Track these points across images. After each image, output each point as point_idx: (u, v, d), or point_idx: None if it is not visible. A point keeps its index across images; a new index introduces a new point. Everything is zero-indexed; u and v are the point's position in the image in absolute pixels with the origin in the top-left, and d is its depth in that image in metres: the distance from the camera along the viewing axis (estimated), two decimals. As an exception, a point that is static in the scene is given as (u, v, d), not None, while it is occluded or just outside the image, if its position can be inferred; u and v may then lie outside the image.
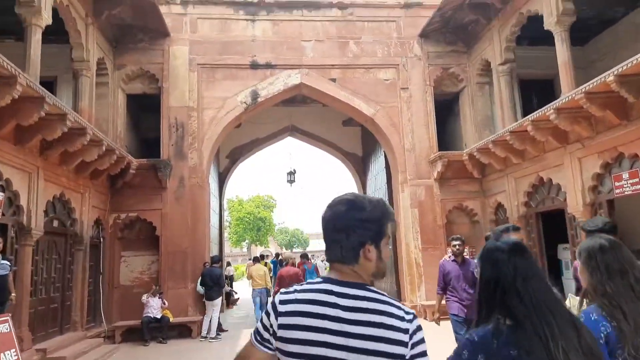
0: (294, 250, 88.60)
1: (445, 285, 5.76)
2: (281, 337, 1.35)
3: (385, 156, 12.93)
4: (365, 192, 15.55)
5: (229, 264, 19.21)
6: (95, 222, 9.42)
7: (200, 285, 9.59)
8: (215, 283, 9.35)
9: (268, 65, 11.34)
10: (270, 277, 13.14)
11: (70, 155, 7.60)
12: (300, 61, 11.42)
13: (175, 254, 10.25)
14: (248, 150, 15.38)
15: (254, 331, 1.45)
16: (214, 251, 13.52)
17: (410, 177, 11.18)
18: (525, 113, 9.69)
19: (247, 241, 66.26)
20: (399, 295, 11.66)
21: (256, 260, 12.75)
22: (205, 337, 9.31)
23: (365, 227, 1.36)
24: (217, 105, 11.06)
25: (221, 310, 13.75)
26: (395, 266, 11.68)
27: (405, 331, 1.29)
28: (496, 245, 1.61)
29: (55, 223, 7.97)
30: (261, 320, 1.43)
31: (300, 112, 15.28)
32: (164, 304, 9.52)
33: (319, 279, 1.42)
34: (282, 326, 1.35)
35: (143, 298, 9.38)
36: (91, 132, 7.24)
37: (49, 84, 9.52)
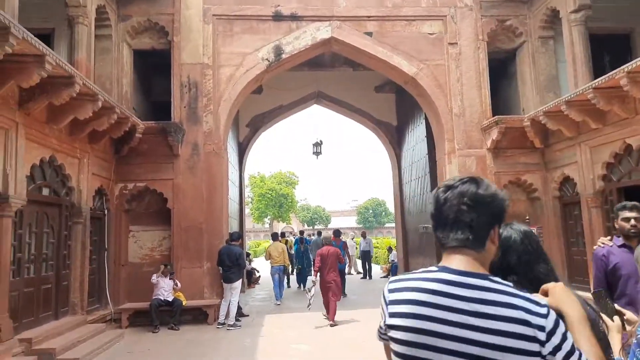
0: (315, 227, 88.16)
1: (609, 287, 3.18)
2: (391, 325, 1.29)
3: (427, 124, 11.35)
4: (399, 166, 14.05)
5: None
6: (97, 192, 8.24)
7: (218, 265, 8.38)
8: (234, 263, 8.13)
9: (293, 17, 9.81)
10: (291, 254, 13.19)
11: (59, 110, 6.35)
12: (331, 12, 9.84)
13: (189, 230, 9.05)
14: (270, 118, 13.99)
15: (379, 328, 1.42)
16: (234, 227, 12.33)
17: (459, 146, 9.63)
18: (596, 74, 7.98)
19: (269, 217, 65.81)
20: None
21: (275, 237, 12.13)
22: (223, 324, 8.14)
23: (493, 206, 1.29)
24: (236, 62, 9.64)
25: (242, 291, 12.74)
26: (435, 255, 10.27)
27: (541, 328, 1.16)
28: None
29: (46, 191, 6.80)
30: (381, 315, 1.37)
31: (327, 77, 13.74)
32: (177, 285, 8.37)
33: (434, 268, 1.30)
34: (392, 314, 1.29)
35: (153, 278, 8.25)
36: (81, 81, 5.94)
37: (46, 37, 8.27)
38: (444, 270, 1.26)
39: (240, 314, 8.85)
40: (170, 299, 8.20)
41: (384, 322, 1.32)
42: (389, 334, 1.29)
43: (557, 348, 1.15)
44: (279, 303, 10.84)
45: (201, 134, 9.37)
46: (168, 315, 8.18)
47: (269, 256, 11.36)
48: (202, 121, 9.41)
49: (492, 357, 1.15)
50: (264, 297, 12.10)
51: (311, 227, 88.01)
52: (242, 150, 13.78)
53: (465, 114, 9.71)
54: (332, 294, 8.20)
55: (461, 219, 1.27)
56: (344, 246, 12.77)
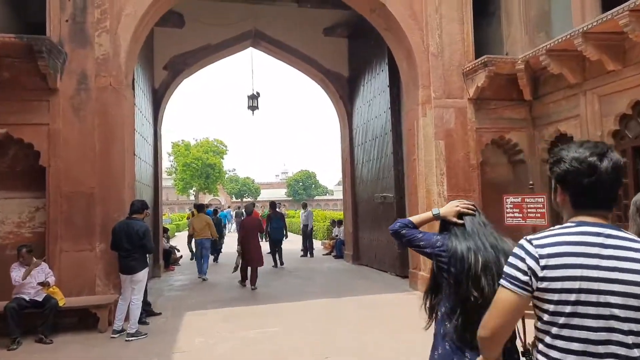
0: (244, 199, 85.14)
1: None
2: (545, 277, 1.38)
3: (391, 71, 9.35)
4: (350, 125, 12.00)
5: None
6: None
7: (112, 249, 5.80)
8: (135, 245, 5.57)
9: None
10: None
11: None
12: None
13: (73, 197, 6.38)
14: (195, 60, 11.21)
15: (508, 277, 1.44)
16: (146, 196, 9.68)
17: (435, 94, 7.71)
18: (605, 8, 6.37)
19: (194, 189, 61.83)
20: (404, 268, 8.47)
21: (200, 208, 11.30)
22: (121, 332, 5.61)
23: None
24: (145, -36, 6.89)
25: (156, 276, 10.19)
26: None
27: None
28: None
29: None
30: (513, 266, 1.43)
31: (267, 13, 11.23)
32: (48, 278, 5.73)
33: (570, 223, 1.45)
34: (546, 267, 1.38)
35: (13, 272, 5.55)
36: None
37: None
38: (584, 224, 1.43)
39: (149, 313, 6.44)
40: (40, 298, 5.58)
41: (534, 276, 1.39)
42: (541, 285, 1.39)
43: None
44: (205, 278, 9.95)
45: (92, 61, 6.61)
46: (38, 319, 5.56)
47: (192, 229, 10.59)
48: (94, 42, 6.63)
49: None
50: (184, 284, 9.67)
51: (239, 200, 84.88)
52: (158, 99, 10.95)
53: (444, 54, 7.78)
54: (254, 262, 8.87)
55: (616, 187, 1.45)
56: (282, 218, 12.46)
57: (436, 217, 2.14)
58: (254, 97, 12.48)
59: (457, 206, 2.11)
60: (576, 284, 1.34)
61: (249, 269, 8.86)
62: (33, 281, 5.56)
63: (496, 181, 8.16)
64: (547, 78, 7.43)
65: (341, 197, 14.32)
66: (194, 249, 13.24)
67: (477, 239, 1.99)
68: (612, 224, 1.43)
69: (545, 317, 1.40)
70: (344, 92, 11.96)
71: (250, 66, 12.79)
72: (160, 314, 6.68)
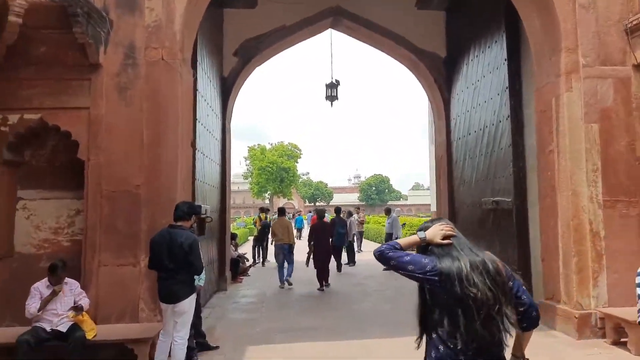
0: (317, 203, 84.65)
1: None
2: None
3: (510, 39, 7.31)
4: (447, 116, 10.00)
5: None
6: None
7: (150, 267, 4.40)
8: (178, 262, 4.12)
9: None
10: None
11: None
12: None
13: (115, 198, 5.15)
14: (268, 44, 9.87)
15: None
16: (212, 200, 8.43)
17: (586, 60, 5.58)
18: None
19: (269, 192, 62.16)
20: (543, 290, 6.34)
21: (281, 213, 10.78)
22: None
23: None
24: None
25: (221, 290, 8.93)
26: (542, 236, 6.37)
27: None
28: None
29: None
30: None
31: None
32: (80, 301, 4.48)
33: None
34: None
35: (31, 293, 4.36)
36: None
37: None
38: None
39: (203, 346, 5.01)
40: (64, 328, 4.31)
41: None
42: None
43: None
44: (282, 287, 9.54)
45: (142, 30, 5.36)
46: (63, 356, 4.31)
47: (273, 234, 10.23)
48: (144, 7, 5.39)
49: None
50: (251, 301, 8.26)
51: (312, 204, 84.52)
52: (227, 89, 9.72)
53: (598, 4, 5.64)
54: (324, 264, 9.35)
55: None
56: (345, 224, 12.25)
57: (423, 240, 2.15)
58: (333, 86, 10.91)
59: (442, 229, 2.14)
60: None
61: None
62: (57, 307, 4.32)
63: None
64: None
65: (416, 202, 12.54)
66: (257, 255, 14.05)
67: (463, 256, 2.02)
68: None
69: None
70: (440, 76, 9.98)
71: (330, 50, 11.14)
72: (217, 347, 5.22)
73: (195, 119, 6.66)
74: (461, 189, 9.39)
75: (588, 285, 5.41)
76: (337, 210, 12.21)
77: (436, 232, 2.14)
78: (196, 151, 6.85)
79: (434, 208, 12.94)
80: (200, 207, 5.98)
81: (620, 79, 5.57)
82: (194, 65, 6.59)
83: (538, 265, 6.55)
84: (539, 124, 6.20)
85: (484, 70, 8.30)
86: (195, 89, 6.74)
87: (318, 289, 9.16)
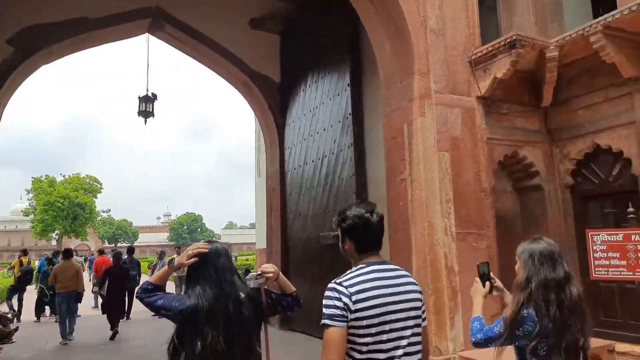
0: (119, 244, 75.71)
1: None
2: (357, 309, 1.78)
3: (353, 65, 6.92)
4: (281, 143, 9.22)
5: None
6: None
7: None
8: None
9: None
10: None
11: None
12: None
13: None
14: (61, 38, 7.66)
15: (330, 317, 1.77)
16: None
17: (437, 86, 5.35)
18: None
19: (57, 232, 52.72)
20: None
21: (67, 255, 9.20)
22: None
23: None
24: None
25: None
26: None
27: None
28: None
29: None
30: (333, 307, 1.77)
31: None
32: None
33: (362, 265, 1.91)
34: (357, 301, 1.78)
35: None
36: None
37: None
38: (374, 264, 1.90)
39: None
40: None
41: (348, 309, 1.77)
42: (353, 316, 1.78)
43: None
44: (66, 342, 8.31)
45: None
46: None
47: (54, 279, 8.75)
48: None
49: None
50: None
51: (113, 245, 75.13)
52: (-6, 85, 7.09)
53: (447, 33, 5.54)
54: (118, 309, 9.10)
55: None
56: (137, 264, 12.00)
57: (173, 267, 2.17)
58: (148, 100, 9.11)
59: (190, 251, 2.09)
60: (378, 310, 1.79)
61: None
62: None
63: (501, 214, 5.96)
64: (576, 76, 5.55)
65: (230, 240, 11.66)
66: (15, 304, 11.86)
67: (207, 287, 2.01)
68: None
69: (358, 339, 1.77)
70: (275, 102, 9.21)
71: (147, 58, 9.35)
72: None
73: None
74: (296, 224, 8.55)
75: (445, 327, 4.94)
76: (130, 250, 11.84)
77: (184, 253, 2.09)
78: None
79: (261, 245, 11.87)
80: None
81: (467, 109, 5.49)
82: None
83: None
84: (389, 151, 5.74)
85: (324, 97, 7.81)
86: None
87: (110, 339, 8.47)
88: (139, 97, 9.07)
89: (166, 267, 2.15)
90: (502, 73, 5.27)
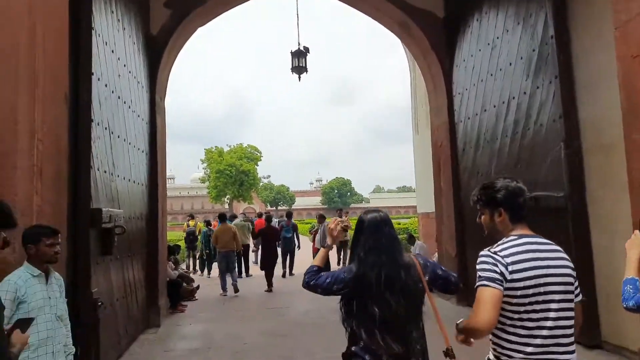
0: (279, 207, 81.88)
1: None
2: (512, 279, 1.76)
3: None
4: (449, 88, 7.82)
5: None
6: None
7: None
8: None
9: None
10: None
11: None
12: None
13: None
14: (214, -4, 7.39)
15: (489, 279, 1.75)
16: (127, 201, 5.84)
17: None
18: None
19: (228, 197, 58.89)
20: (592, 330, 4.13)
21: (223, 218, 10.26)
22: None
23: None
24: None
25: (153, 325, 6.35)
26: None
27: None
28: None
29: None
30: (491, 271, 1.75)
31: None
32: None
33: (514, 236, 1.87)
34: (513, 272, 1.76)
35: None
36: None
37: None
38: (526, 237, 1.86)
39: None
40: None
41: (504, 277, 1.76)
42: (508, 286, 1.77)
43: None
44: (225, 294, 9.15)
45: None
46: None
47: (215, 240, 9.84)
48: None
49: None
50: (191, 347, 5.71)
51: (274, 208, 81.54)
52: (157, 53, 7.13)
53: None
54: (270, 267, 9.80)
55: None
56: (294, 228, 12.00)
57: (327, 247, 2.29)
58: (300, 54, 8.51)
59: (335, 226, 2.30)
60: (532, 282, 1.75)
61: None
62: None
63: None
64: None
65: (378, 204, 10.88)
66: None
67: (380, 255, 2.06)
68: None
69: (508, 307, 1.76)
70: (439, 41, 7.79)
71: (296, 7, 8.69)
72: None
73: (84, 68, 4.09)
74: (472, 184, 7.19)
75: None
76: (288, 214, 12.38)
77: (333, 234, 2.28)
78: (92, 123, 4.29)
79: (424, 209, 10.75)
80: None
81: None
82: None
83: (610, 288, 4.47)
84: (626, 77, 4.02)
85: (507, 24, 6.18)
86: (88, 24, 4.19)
87: (265, 291, 9.41)
88: (292, 52, 8.50)
89: (322, 249, 2.25)
90: None
